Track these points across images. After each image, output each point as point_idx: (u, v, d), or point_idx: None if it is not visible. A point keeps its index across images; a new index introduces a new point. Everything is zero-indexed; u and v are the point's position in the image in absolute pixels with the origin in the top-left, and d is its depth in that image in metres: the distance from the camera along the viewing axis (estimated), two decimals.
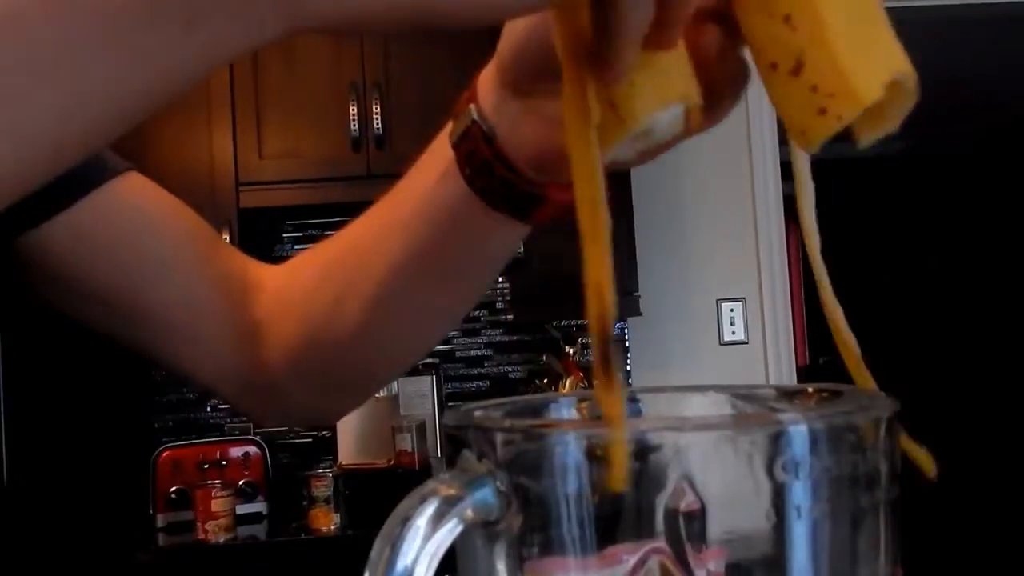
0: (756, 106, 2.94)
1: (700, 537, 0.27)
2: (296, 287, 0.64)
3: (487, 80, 0.51)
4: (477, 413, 0.32)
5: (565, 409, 0.37)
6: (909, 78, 0.32)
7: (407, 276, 0.58)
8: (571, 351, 2.77)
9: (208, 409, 2.91)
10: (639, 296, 2.64)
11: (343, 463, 2.63)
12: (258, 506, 2.64)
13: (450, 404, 2.81)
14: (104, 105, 0.32)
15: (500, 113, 0.50)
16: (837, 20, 0.33)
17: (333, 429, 2.71)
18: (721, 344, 2.93)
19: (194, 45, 0.31)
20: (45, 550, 2.36)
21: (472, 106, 0.51)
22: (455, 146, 0.52)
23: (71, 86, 0.31)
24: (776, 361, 2.92)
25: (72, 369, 2.65)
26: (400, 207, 0.58)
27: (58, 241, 0.59)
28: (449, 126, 0.53)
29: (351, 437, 2.65)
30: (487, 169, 0.51)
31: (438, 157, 0.55)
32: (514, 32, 0.48)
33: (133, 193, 0.62)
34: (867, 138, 0.34)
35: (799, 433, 0.27)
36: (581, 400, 0.37)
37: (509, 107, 0.50)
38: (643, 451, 0.27)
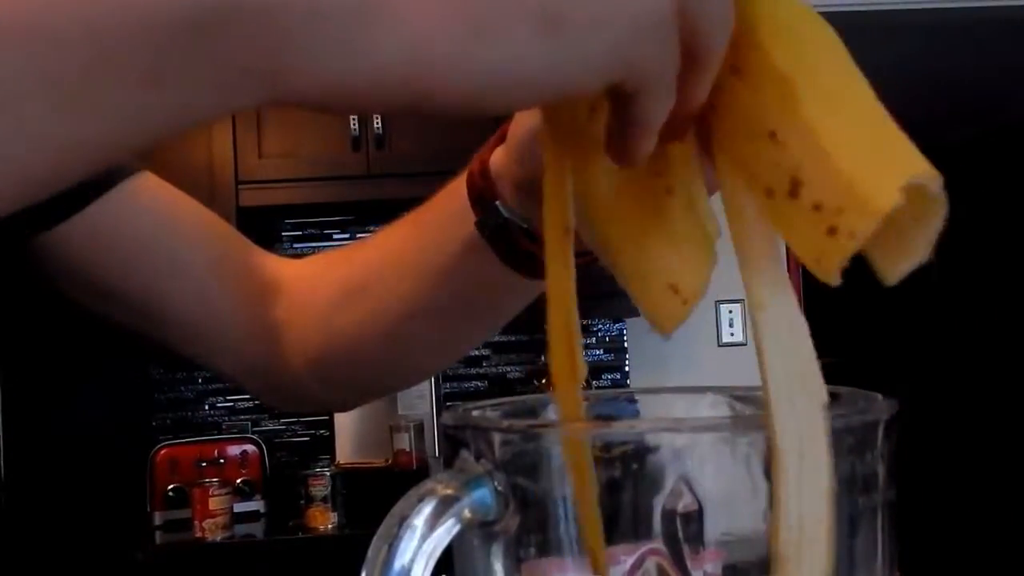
0: None
1: (698, 538, 0.27)
2: (317, 299, 0.65)
3: (504, 173, 0.51)
4: (475, 413, 0.32)
5: None
6: (932, 180, 0.27)
7: (429, 319, 0.60)
8: None
9: (206, 407, 2.91)
10: None
11: (341, 462, 2.63)
12: (255, 504, 2.64)
13: (448, 404, 2.81)
14: (57, 155, 0.30)
15: (527, 205, 0.50)
16: (833, 125, 0.28)
17: (331, 428, 2.71)
18: (719, 346, 2.93)
19: (160, 106, 0.30)
20: (43, 547, 2.35)
21: (499, 204, 0.51)
22: (488, 238, 0.52)
23: (25, 133, 0.29)
24: None
25: (70, 366, 2.65)
26: (424, 262, 0.58)
27: (73, 241, 0.59)
28: (461, 190, 0.54)
29: (349, 436, 2.65)
30: (525, 254, 0.52)
31: (459, 224, 0.55)
32: (521, 139, 0.48)
33: (146, 194, 0.63)
34: (895, 272, 0.29)
35: None
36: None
37: (533, 200, 0.49)
38: (641, 452, 0.27)
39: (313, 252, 0.70)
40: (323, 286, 0.65)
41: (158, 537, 2.52)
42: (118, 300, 0.63)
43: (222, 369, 0.67)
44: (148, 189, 0.63)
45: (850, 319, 5.83)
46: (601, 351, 2.95)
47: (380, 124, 2.54)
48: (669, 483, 0.27)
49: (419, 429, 2.59)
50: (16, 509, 2.30)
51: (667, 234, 0.33)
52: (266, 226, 2.84)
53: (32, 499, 2.40)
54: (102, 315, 0.64)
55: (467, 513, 0.27)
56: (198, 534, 2.42)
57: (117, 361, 2.76)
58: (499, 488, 0.27)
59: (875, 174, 0.27)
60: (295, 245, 2.91)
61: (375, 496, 2.27)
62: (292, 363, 0.65)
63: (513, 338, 2.95)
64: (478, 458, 0.28)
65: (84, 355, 2.62)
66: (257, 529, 2.54)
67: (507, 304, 0.59)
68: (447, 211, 0.56)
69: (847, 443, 0.28)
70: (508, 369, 2.97)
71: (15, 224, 0.57)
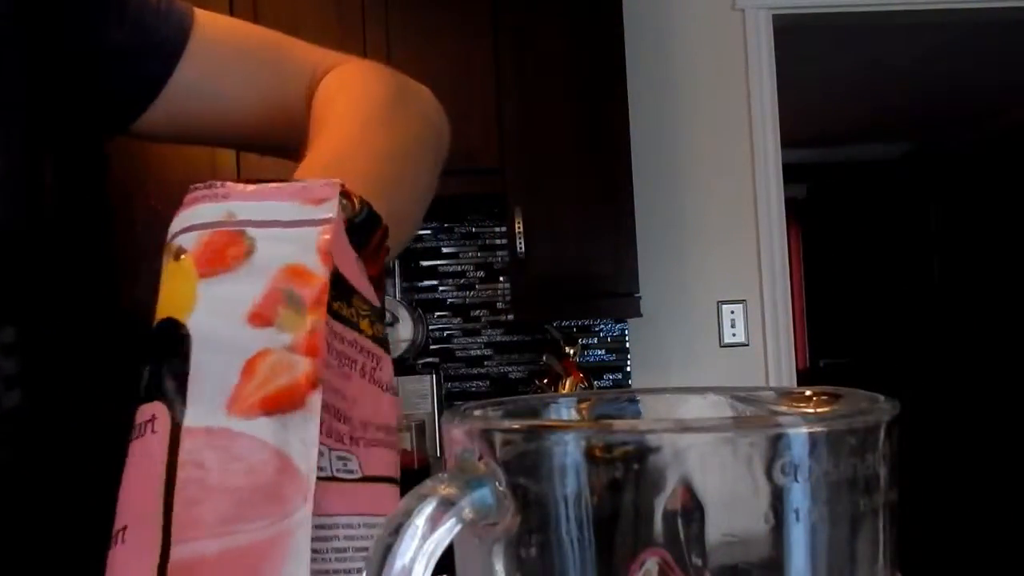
0: (758, 108, 2.94)
1: (699, 539, 0.27)
2: None
3: None
4: (476, 413, 0.32)
5: (565, 409, 0.37)
6: None
7: None
8: (571, 351, 2.77)
9: None
10: (639, 297, 2.64)
11: None
12: None
13: (450, 403, 2.81)
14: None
15: None
16: None
17: None
18: (721, 346, 2.93)
19: None
20: (45, 546, 2.35)
21: None
22: None
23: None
24: (776, 363, 2.92)
25: (73, 363, 2.65)
26: None
27: (161, 106, 0.74)
28: None
29: None
30: None
31: None
32: None
33: (202, 39, 0.74)
34: None
35: (798, 436, 0.27)
36: (581, 400, 0.37)
37: None
38: (642, 453, 0.27)
39: None
40: None
41: None
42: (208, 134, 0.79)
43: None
44: (200, 36, 0.74)
45: (852, 321, 5.83)
46: (603, 351, 2.95)
47: None
48: (670, 484, 0.27)
49: (420, 429, 2.59)
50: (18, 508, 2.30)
51: None
52: None
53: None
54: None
55: (468, 513, 0.27)
56: None
57: (120, 358, 2.76)
58: (500, 488, 0.27)
59: None
60: None
61: None
62: None
63: (515, 338, 2.95)
64: (479, 458, 0.28)
65: (87, 351, 2.62)
66: None
67: None
68: None
69: (849, 444, 0.28)
70: (510, 369, 2.97)
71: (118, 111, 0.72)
